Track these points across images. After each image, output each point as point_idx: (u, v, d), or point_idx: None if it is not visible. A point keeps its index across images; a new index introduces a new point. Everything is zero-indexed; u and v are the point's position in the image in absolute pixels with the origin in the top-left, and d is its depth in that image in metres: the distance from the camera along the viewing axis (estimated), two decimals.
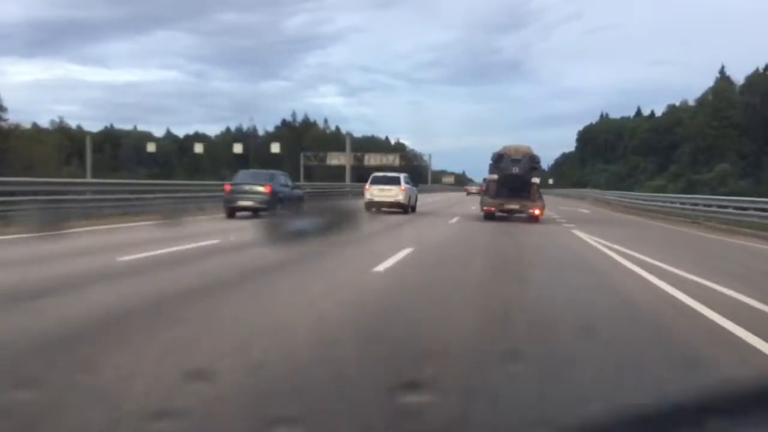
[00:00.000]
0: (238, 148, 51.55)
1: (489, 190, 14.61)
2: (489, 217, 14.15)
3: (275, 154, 56.10)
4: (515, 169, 13.98)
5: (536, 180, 14.13)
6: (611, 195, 32.25)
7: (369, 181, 16.42)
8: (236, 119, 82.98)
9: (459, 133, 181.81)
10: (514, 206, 13.88)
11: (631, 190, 42.22)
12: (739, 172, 52.19)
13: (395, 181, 15.94)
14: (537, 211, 13.68)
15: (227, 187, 13.02)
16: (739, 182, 49.02)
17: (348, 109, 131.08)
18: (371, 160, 54.88)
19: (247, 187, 12.67)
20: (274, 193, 12.51)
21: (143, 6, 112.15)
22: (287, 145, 59.49)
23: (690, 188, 41.15)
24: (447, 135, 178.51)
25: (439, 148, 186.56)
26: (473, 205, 21.94)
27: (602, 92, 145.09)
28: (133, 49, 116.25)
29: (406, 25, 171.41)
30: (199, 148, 49.23)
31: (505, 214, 14.14)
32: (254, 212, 12.12)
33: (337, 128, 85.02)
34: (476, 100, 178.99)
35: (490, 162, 14.50)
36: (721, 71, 59.90)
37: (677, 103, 70.85)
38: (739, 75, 60.75)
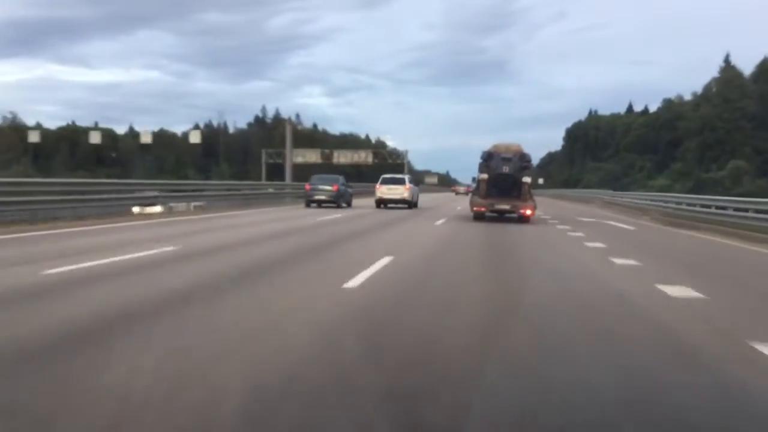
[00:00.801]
0: (195, 137, 51.22)
1: (479, 190, 14.80)
2: (479, 217, 14.45)
3: (246, 152, 55.19)
4: (505, 168, 14.21)
5: (527, 179, 14.34)
6: (641, 198, 23.89)
7: (379, 181, 20.90)
8: (219, 119, 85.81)
9: (443, 134, 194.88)
10: (505, 206, 14.16)
11: (628, 189, 41.66)
12: (755, 170, 48.95)
13: (401, 182, 20.57)
14: (528, 212, 14.01)
15: (308, 187, 20.45)
16: (756, 180, 46.21)
17: (333, 109, 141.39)
18: (341, 157, 53.66)
19: (321, 187, 19.88)
20: (338, 191, 19.76)
21: (125, 5, 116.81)
22: (258, 142, 58.87)
23: (699, 188, 38.80)
24: (431, 135, 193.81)
25: (423, 149, 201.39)
26: (459, 205, 22.19)
27: (587, 92, 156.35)
28: (116, 49, 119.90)
29: (390, 25, 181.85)
30: (146, 137, 45.97)
31: (495, 215, 14.46)
32: (325, 204, 19.37)
33: (315, 126, 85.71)
34: (460, 100, 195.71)
35: (480, 160, 14.68)
36: (726, 60, 57.67)
37: (672, 98, 71.50)
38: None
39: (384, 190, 20.25)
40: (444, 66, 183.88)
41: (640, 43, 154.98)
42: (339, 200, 19.66)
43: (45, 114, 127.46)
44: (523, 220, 14.01)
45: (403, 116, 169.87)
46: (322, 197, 19.56)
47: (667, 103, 70.80)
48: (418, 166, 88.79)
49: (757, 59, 58.51)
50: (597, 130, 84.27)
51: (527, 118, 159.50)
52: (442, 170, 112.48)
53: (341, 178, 20.78)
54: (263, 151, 53.91)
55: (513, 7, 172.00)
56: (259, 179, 46.29)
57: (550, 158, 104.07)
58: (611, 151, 76.55)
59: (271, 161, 52.93)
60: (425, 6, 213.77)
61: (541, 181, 63.57)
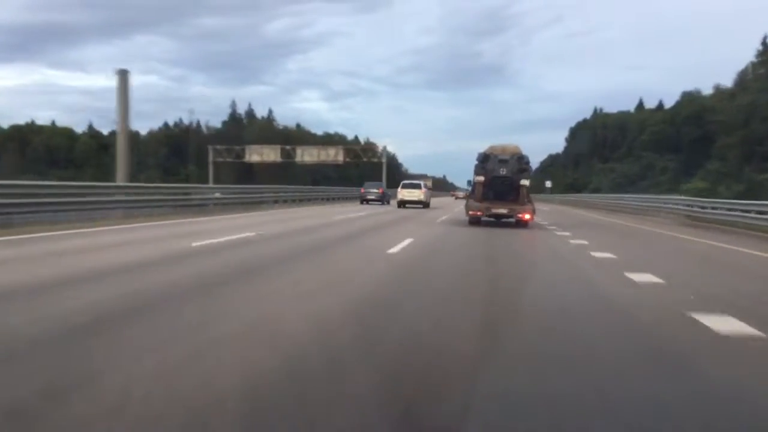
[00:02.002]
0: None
1: (475, 193, 15.54)
2: (475, 222, 15.26)
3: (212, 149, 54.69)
4: (502, 171, 14.99)
5: (526, 182, 15.09)
6: None
7: (400, 186, 29.23)
8: (190, 118, 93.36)
9: (441, 138, 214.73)
10: (502, 210, 14.96)
11: (645, 192, 40.07)
12: None
13: (418, 186, 28.98)
14: (527, 216, 14.73)
15: (362, 190, 32.56)
16: None
17: (331, 114, 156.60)
18: (305, 155, 52.67)
19: (371, 190, 32.55)
20: (383, 192, 32.66)
21: (121, 10, 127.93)
22: (230, 141, 59.14)
23: (754, 192, 31.05)
24: (428, 140, 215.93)
25: (421, 153, 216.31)
26: (457, 207, 24.35)
27: (584, 95, 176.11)
28: (112, 53, 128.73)
29: (388, 29, 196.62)
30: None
31: (492, 219, 15.29)
32: (373, 201, 30.90)
33: (298, 125, 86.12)
34: (458, 104, 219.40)
35: (476, 162, 15.45)
36: (764, 42, 50.36)
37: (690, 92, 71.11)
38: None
39: (405, 193, 28.33)
40: (441, 70, 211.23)
41: (635, 48, 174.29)
42: (383, 199, 32.09)
43: (42, 119, 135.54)
44: (521, 225, 14.72)
45: (401, 120, 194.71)
46: (372, 197, 32.20)
47: (686, 97, 70.44)
48: (416, 170, 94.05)
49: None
50: (605, 129, 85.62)
51: (524, 122, 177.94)
52: (439, 174, 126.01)
53: (383, 184, 36.58)
54: (209, 148, 51.88)
55: (509, 11, 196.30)
56: (230, 182, 46.04)
57: (551, 161, 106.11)
58: (622, 151, 76.77)
59: (220, 159, 52.13)
60: (422, 10, 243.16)
61: (548, 184, 60.80)
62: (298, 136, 77.07)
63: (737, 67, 59.52)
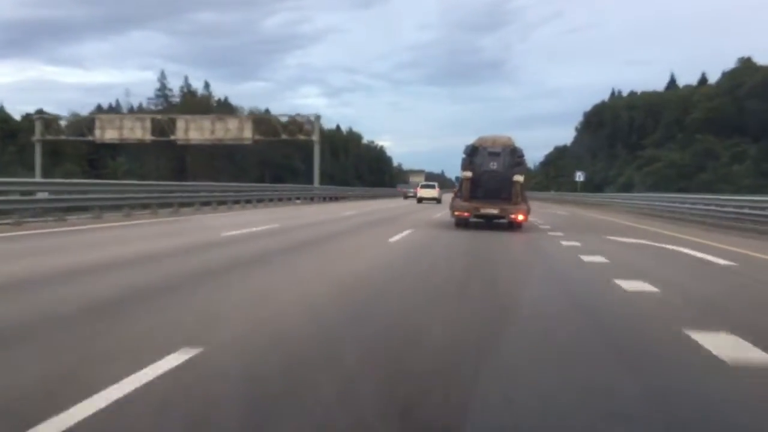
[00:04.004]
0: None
1: (462, 191, 16.27)
2: (461, 223, 16.16)
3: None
4: (493, 165, 15.75)
5: (519, 178, 15.75)
6: None
7: (419, 186, 48.68)
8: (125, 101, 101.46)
9: (440, 134, 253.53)
10: (492, 210, 15.79)
11: (710, 190, 37.87)
12: None
13: (433, 186, 46.93)
14: (520, 217, 15.56)
15: (402, 189, 65.48)
16: None
17: (330, 110, 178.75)
18: (191, 131, 45.14)
19: (407, 189, 60.11)
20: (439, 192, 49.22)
21: (118, 6, 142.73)
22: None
23: None
24: (427, 136, 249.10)
25: (420, 149, 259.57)
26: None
27: (584, 91, 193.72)
28: (110, 49, 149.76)
29: (386, 25, 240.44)
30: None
31: (481, 220, 16.24)
32: (410, 197, 51.96)
33: (226, 99, 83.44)
34: (457, 100, 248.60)
35: (463, 156, 16.19)
36: None
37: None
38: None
39: (423, 192, 45.77)
40: (440, 66, 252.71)
41: (636, 43, 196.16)
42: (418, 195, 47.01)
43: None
44: (514, 226, 15.59)
45: (400, 116, 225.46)
46: (411, 195, 52.13)
47: (745, 64, 67.27)
48: (417, 166, 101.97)
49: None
50: (632, 110, 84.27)
51: (525, 117, 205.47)
52: (437, 170, 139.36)
53: (416, 184, 55.22)
54: (35, 121, 46.94)
55: (509, 6, 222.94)
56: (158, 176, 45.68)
57: (558, 153, 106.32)
58: (657, 136, 74.36)
59: (51, 138, 46.96)
60: (421, 6, 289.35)
61: (581, 176, 51.47)
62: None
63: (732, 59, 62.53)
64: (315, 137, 47.46)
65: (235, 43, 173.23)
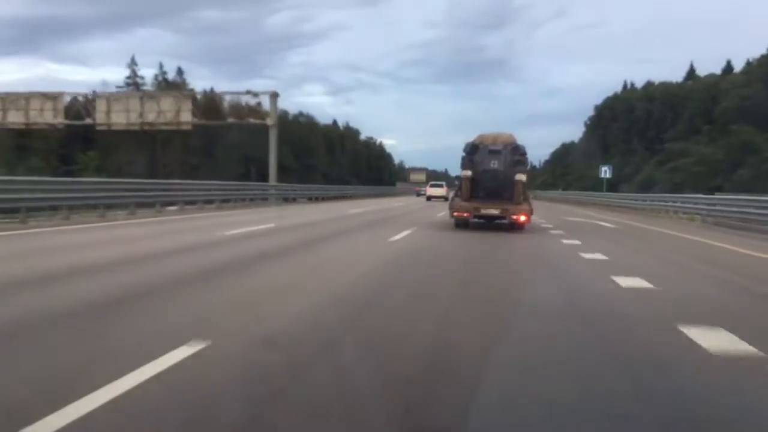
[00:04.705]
0: None
1: (461, 191, 16.73)
2: (461, 224, 16.65)
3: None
4: (494, 164, 16.20)
5: (522, 177, 16.17)
6: None
7: (429, 185, 60.02)
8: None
9: (444, 132, 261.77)
10: (493, 211, 16.29)
11: (753, 189, 34.26)
12: None
13: (441, 186, 57.20)
14: (522, 218, 16.02)
15: (418, 189, 76.56)
16: None
17: (334, 108, 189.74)
18: (114, 113, 38.92)
19: (423, 189, 68.11)
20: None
21: (123, 3, 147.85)
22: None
23: None
24: (432, 134, 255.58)
25: (424, 147, 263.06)
26: None
27: (588, 90, 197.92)
28: (114, 47, 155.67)
29: (391, 22, 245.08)
30: None
31: (482, 221, 16.71)
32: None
33: (212, 90, 79.97)
34: (461, 98, 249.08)
35: (463, 154, 16.67)
36: None
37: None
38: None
39: (432, 191, 54.11)
40: (445, 64, 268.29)
41: (642, 41, 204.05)
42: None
43: None
44: (516, 228, 16.02)
45: (404, 115, 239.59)
46: (422, 193, 61.03)
47: None
48: (419, 163, 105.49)
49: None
50: (650, 102, 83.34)
51: (529, 116, 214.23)
52: (441, 168, 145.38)
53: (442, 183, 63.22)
54: None
55: (513, 4, 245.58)
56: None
57: (565, 150, 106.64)
58: (682, 130, 72.37)
59: None
60: (426, 3, 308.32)
61: (607, 171, 46.82)
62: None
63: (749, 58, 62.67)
64: (270, 121, 40.99)
65: (239, 41, 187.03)
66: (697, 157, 61.18)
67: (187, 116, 39.64)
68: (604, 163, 53.39)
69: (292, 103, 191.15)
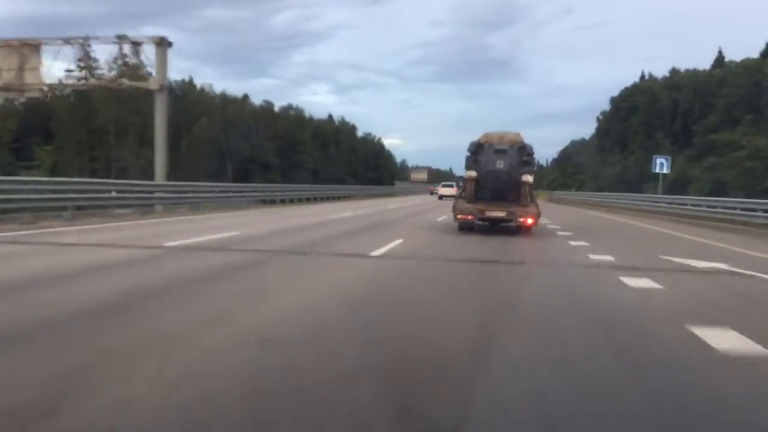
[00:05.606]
0: None
1: (466, 192, 17.10)
2: (465, 227, 16.87)
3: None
4: (500, 164, 16.51)
5: (528, 178, 16.48)
6: None
7: (440, 185, 71.66)
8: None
9: (449, 131, 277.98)
10: (499, 213, 16.52)
11: None
12: None
13: (452, 186, 63.32)
14: (530, 220, 16.34)
15: (433, 189, 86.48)
16: None
17: (339, 107, 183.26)
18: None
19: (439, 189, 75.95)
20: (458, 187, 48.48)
21: (128, 2, 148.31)
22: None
23: None
24: (437, 133, 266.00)
25: (430, 147, 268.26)
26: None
27: (595, 89, 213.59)
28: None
29: (396, 22, 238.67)
30: None
31: (486, 224, 16.91)
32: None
33: (191, 79, 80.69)
34: (467, 97, 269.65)
35: (467, 154, 16.99)
36: None
37: None
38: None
39: (443, 190, 62.01)
40: (450, 63, 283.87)
41: (648, 39, 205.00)
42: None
43: None
44: (522, 231, 16.30)
45: (409, 114, 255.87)
46: (435, 192, 70.07)
47: None
48: (422, 162, 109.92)
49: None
50: (678, 91, 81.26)
51: (535, 115, 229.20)
52: (445, 167, 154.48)
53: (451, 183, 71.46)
54: None
55: (519, 2, 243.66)
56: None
57: (576, 148, 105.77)
58: (717, 120, 69.76)
59: None
60: (432, 2, 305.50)
61: (663, 165, 38.71)
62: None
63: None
64: (155, 85, 30.48)
65: (244, 40, 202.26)
66: (751, 150, 54.44)
67: (35, 77, 29.93)
68: (624, 160, 51.04)
69: (298, 102, 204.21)
